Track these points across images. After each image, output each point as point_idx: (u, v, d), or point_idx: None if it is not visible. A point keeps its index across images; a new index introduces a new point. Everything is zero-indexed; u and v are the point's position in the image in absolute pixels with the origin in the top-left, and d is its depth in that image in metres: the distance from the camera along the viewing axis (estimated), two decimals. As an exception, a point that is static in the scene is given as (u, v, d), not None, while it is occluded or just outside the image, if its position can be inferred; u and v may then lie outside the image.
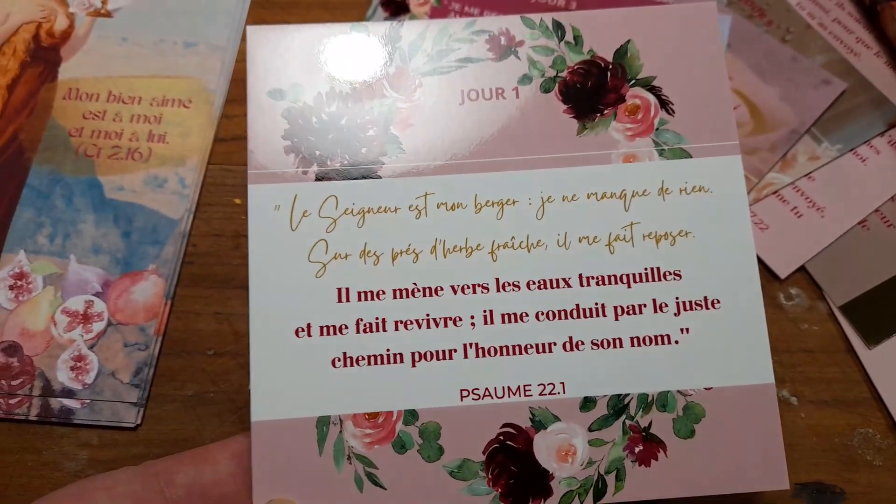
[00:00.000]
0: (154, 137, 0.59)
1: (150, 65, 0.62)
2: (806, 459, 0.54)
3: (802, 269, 0.58)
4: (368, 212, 0.48)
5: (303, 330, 0.47)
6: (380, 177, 0.49)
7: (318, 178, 0.49)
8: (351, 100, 0.50)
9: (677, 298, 0.48)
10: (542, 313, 0.47)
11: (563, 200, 0.49)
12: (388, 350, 0.46)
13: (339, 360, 0.46)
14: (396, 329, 0.47)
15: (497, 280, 0.48)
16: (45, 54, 0.62)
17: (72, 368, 0.54)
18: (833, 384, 0.56)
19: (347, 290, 0.47)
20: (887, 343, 0.56)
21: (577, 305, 0.47)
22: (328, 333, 0.47)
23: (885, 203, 0.59)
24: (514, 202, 0.49)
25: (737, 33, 0.63)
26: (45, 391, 0.53)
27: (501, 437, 0.46)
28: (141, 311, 0.55)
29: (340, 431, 0.45)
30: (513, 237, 0.48)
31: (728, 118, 0.51)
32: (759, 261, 0.58)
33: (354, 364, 0.46)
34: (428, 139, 0.50)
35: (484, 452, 0.45)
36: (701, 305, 0.48)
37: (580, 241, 0.48)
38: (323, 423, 0.45)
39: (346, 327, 0.47)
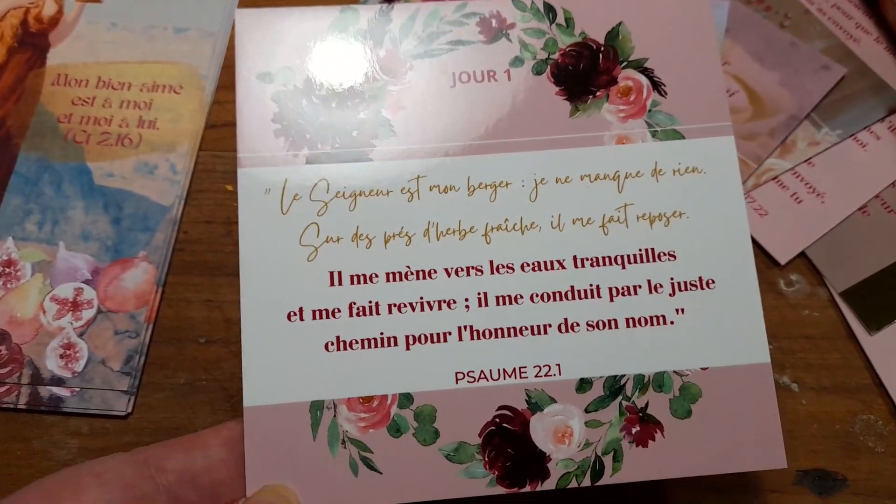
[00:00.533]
0: (144, 123, 0.60)
1: (141, 50, 0.62)
2: (807, 446, 0.54)
3: (803, 255, 0.59)
4: (360, 195, 0.49)
5: (295, 314, 0.47)
6: (371, 160, 0.49)
7: (309, 162, 0.49)
8: (341, 83, 0.51)
9: (672, 279, 0.48)
10: (537, 295, 0.47)
11: (557, 182, 0.49)
12: (381, 333, 0.47)
13: (333, 343, 0.46)
14: (390, 312, 0.47)
15: (491, 262, 0.48)
16: (33, 40, 0.62)
17: (61, 356, 0.54)
18: (834, 370, 0.56)
19: (340, 273, 0.47)
20: (888, 329, 0.56)
21: (572, 287, 0.48)
22: (321, 317, 0.47)
23: (886, 189, 0.60)
24: (507, 184, 0.49)
25: (735, 19, 0.64)
26: (34, 379, 0.54)
27: (497, 420, 0.46)
28: (131, 298, 0.56)
29: (334, 416, 0.45)
30: (506, 219, 0.48)
31: (720, 99, 0.51)
32: (759, 247, 0.58)
33: (348, 348, 0.46)
34: (419, 122, 0.50)
35: (480, 435, 0.46)
36: (696, 286, 0.48)
37: (574, 222, 0.49)
38: (316, 407, 0.46)
39: (339, 311, 0.47)
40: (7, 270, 0.56)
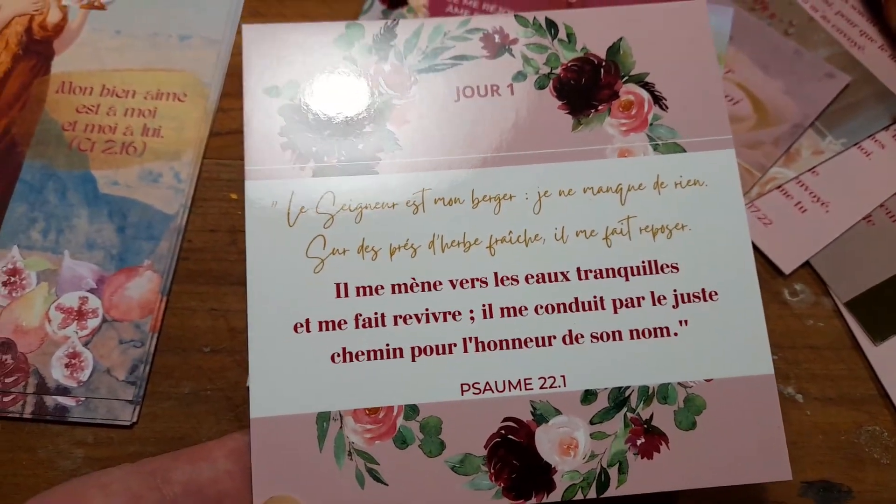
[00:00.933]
0: (149, 131, 0.60)
1: (145, 58, 0.62)
2: (812, 457, 0.55)
3: (807, 264, 0.59)
4: (366, 207, 0.49)
5: (301, 325, 0.47)
6: (377, 173, 0.50)
7: (316, 175, 0.50)
8: (347, 97, 0.52)
9: (675, 291, 0.49)
10: (542, 307, 0.48)
11: (560, 195, 0.50)
12: (387, 345, 0.47)
13: (339, 355, 0.47)
14: (396, 324, 0.48)
15: (496, 274, 0.49)
16: (37, 47, 0.62)
17: (66, 366, 0.55)
18: (839, 381, 0.57)
19: (346, 285, 0.48)
20: (893, 339, 0.57)
21: (576, 298, 0.48)
22: (327, 329, 0.47)
23: (890, 198, 0.60)
24: (511, 197, 0.50)
25: (739, 27, 0.64)
26: (39, 389, 0.54)
27: (503, 431, 0.46)
28: (136, 307, 0.56)
29: (341, 427, 0.46)
30: (510, 231, 0.49)
31: (721, 113, 0.52)
32: (763, 256, 0.59)
33: (354, 359, 0.47)
34: (424, 135, 0.51)
35: (486, 447, 0.46)
36: (699, 298, 0.49)
37: (577, 234, 0.49)
38: (323, 418, 0.46)
39: (345, 322, 0.48)
40: (12, 279, 0.56)
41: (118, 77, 0.62)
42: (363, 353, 0.47)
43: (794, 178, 0.61)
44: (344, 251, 0.49)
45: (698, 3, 0.54)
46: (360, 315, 0.48)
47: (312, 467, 0.46)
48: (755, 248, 0.59)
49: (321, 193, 0.49)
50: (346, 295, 0.48)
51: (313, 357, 0.47)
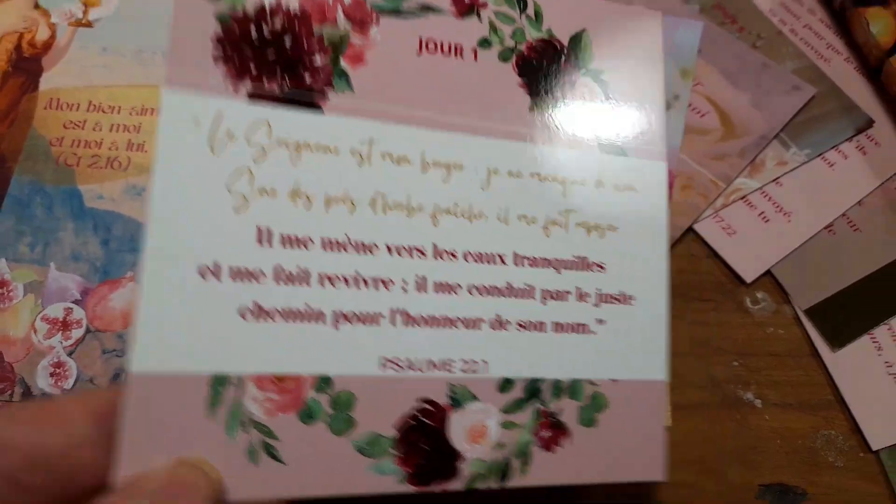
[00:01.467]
0: (133, 146, 0.61)
1: (130, 74, 0.63)
2: (770, 462, 0.54)
3: (769, 273, 0.59)
4: (305, 147, 0.44)
5: (210, 270, 0.41)
6: (322, 111, 0.45)
7: (251, 97, 0.44)
8: (298, 19, 0.46)
9: (598, 290, 0.48)
10: (475, 287, 0.46)
11: (509, 175, 0.48)
12: (307, 305, 0.43)
13: (250, 310, 0.42)
14: (322, 284, 0.43)
15: (435, 246, 0.46)
16: (26, 65, 0.63)
17: (51, 375, 0.55)
18: (798, 387, 0.56)
19: (269, 231, 0.43)
20: (851, 346, 0.57)
21: (509, 284, 0.46)
22: (240, 279, 0.42)
23: (852, 207, 0.60)
24: (460, 167, 0.47)
25: (708, 40, 0.64)
26: (25, 397, 0.54)
27: (417, 413, 0.44)
28: (119, 318, 0.56)
29: (239, 393, 0.41)
30: (456, 204, 0.46)
31: (659, 124, 0.51)
32: (726, 265, 0.59)
33: (267, 318, 0.42)
34: (380, 82, 0.47)
35: (396, 428, 0.43)
36: (618, 300, 0.48)
37: (519, 219, 0.47)
38: (219, 382, 0.40)
39: (263, 274, 0.42)
40: (0, 291, 0.57)
41: (104, 93, 0.62)
42: (278, 312, 0.42)
43: (758, 189, 0.60)
44: (273, 192, 0.43)
45: (654, 15, 0.53)
46: (282, 268, 0.42)
47: (196, 436, 0.40)
48: (719, 257, 0.59)
49: (254, 120, 0.43)
50: (269, 243, 0.42)
51: (218, 309, 0.41)
